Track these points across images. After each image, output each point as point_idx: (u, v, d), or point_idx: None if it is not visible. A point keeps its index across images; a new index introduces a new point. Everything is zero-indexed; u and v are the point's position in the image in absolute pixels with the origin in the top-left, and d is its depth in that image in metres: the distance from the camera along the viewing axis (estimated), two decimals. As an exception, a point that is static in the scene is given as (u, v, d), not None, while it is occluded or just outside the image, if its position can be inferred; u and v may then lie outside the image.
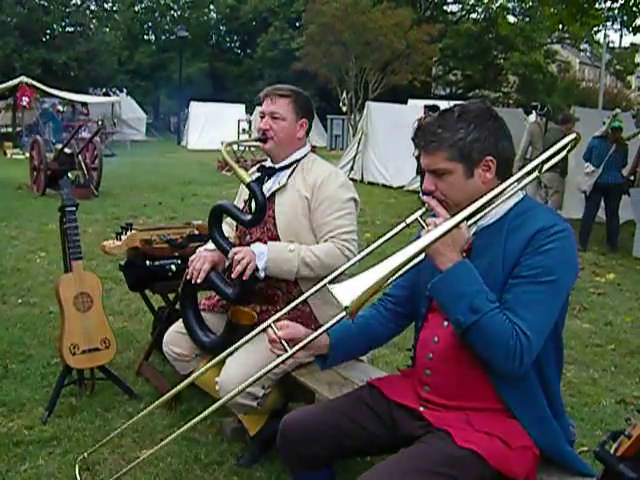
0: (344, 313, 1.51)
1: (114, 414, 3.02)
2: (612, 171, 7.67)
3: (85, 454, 2.45)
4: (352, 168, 13.59)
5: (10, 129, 19.60)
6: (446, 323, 1.70)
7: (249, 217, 2.42)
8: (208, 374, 2.29)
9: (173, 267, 3.24)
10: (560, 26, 13.13)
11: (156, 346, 3.30)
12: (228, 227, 2.78)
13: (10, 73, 19.96)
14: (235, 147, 15.05)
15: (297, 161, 2.60)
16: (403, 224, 1.64)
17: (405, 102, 17.82)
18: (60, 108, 21.30)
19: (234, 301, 2.49)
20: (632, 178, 8.60)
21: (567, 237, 1.60)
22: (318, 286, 1.76)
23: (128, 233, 3.19)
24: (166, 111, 38.25)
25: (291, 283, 2.52)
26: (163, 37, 37.47)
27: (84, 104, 20.50)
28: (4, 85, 17.35)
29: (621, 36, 79.98)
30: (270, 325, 1.77)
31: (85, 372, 3.19)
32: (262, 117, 2.58)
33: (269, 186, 2.59)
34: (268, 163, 2.67)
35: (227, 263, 2.49)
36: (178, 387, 2.09)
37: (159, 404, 2.19)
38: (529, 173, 1.65)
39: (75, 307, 3.02)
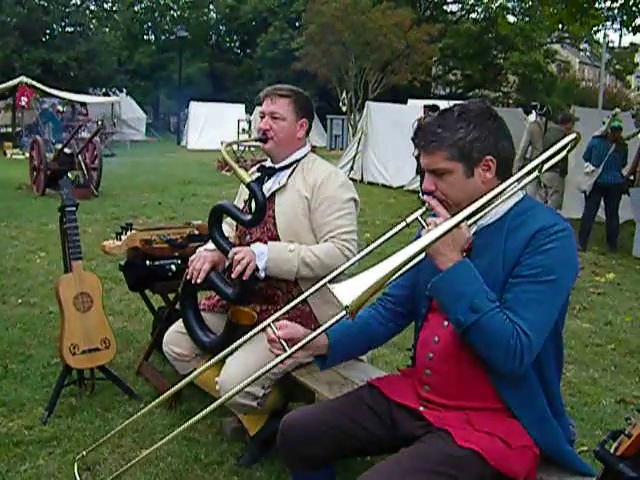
0: (344, 313, 1.51)
1: (114, 414, 3.02)
2: (612, 171, 7.67)
3: (84, 452, 2.44)
4: (352, 168, 13.58)
5: (10, 129, 19.62)
6: (446, 323, 1.70)
7: (249, 217, 2.43)
8: (208, 374, 2.29)
9: (173, 267, 3.24)
10: (560, 26, 13.13)
11: (156, 346, 3.30)
12: (228, 227, 2.78)
13: (10, 73, 19.96)
14: (235, 147, 15.05)
15: (297, 161, 2.60)
16: (403, 223, 1.64)
17: (405, 102, 17.81)
18: (60, 108, 21.27)
19: (234, 301, 2.49)
20: (632, 178, 8.60)
21: (567, 237, 1.60)
22: (318, 286, 1.76)
23: (128, 233, 3.19)
24: (166, 111, 38.23)
25: (291, 283, 2.52)
26: (163, 37, 37.45)
27: (83, 104, 20.49)
28: (4, 85, 17.35)
29: (621, 36, 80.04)
30: (269, 325, 1.77)
31: (85, 372, 3.19)
32: (262, 117, 2.58)
33: (269, 186, 2.59)
34: (268, 163, 2.67)
35: (227, 263, 2.49)
36: (177, 386, 2.09)
37: (158, 403, 2.19)
38: (529, 173, 1.65)
39: (75, 307, 3.02)
